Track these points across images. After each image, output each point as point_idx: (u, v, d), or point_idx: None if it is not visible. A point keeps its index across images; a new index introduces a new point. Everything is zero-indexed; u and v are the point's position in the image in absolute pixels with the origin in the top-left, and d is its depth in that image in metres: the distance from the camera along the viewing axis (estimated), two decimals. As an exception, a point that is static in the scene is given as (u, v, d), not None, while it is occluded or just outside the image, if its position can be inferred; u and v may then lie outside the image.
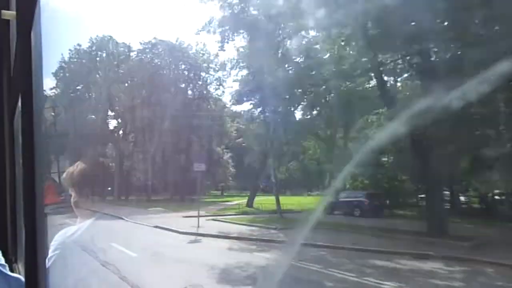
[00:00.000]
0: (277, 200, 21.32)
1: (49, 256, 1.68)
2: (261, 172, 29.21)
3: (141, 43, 37.80)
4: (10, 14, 1.40)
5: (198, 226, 15.70)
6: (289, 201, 24.92)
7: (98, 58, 37.67)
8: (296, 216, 19.56)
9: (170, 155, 34.13)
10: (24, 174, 1.15)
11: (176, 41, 37.58)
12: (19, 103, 2.00)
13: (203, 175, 21.57)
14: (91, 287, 1.79)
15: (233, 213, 22.61)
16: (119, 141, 37.22)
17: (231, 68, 25.64)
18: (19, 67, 1.50)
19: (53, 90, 37.82)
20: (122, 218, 19.20)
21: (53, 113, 34.67)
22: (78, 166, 2.00)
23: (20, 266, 2.14)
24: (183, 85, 38.67)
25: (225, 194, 42.33)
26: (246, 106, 27.22)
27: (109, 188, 30.14)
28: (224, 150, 40.69)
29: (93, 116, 37.22)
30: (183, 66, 38.39)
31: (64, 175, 2.08)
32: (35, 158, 1.14)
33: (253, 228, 16.19)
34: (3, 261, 1.48)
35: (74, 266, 1.73)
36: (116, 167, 35.17)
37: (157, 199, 31.93)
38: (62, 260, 1.64)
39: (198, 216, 16.61)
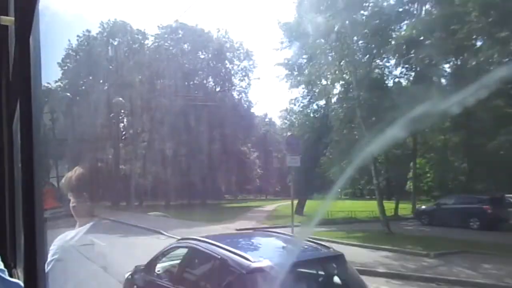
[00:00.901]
0: (382, 208, 16.28)
1: (48, 260, 1.67)
2: (312, 173, 24.14)
3: (159, 27, 33.57)
4: (8, 20, 1.40)
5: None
6: (344, 207, 21.28)
7: (109, 47, 33.52)
8: (406, 229, 15.44)
9: (189, 156, 30.46)
10: (23, 179, 1.15)
11: (196, 26, 33.56)
12: (18, 108, 2.00)
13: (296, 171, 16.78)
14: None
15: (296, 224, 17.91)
16: (131, 141, 33.76)
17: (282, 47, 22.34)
18: (17, 72, 1.50)
19: (59, 83, 33.34)
20: (161, 233, 15.34)
21: (51, 118, 33.54)
22: (76, 171, 1.99)
23: (19, 271, 2.13)
24: (204, 76, 34.65)
25: (238, 198, 38.63)
26: (295, 93, 24.92)
27: (112, 192, 28.77)
28: (251, 150, 36.92)
29: (99, 114, 32.64)
30: (202, 56, 34.47)
31: (63, 180, 2.07)
32: (34, 162, 1.14)
33: (386, 253, 11.09)
34: (2, 266, 1.47)
35: (73, 270, 1.74)
36: (129, 171, 31.93)
37: (176, 204, 28.87)
38: (61, 264, 1.65)
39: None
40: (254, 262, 3.36)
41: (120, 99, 30.11)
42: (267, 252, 4.02)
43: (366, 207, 21.81)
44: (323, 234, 14.05)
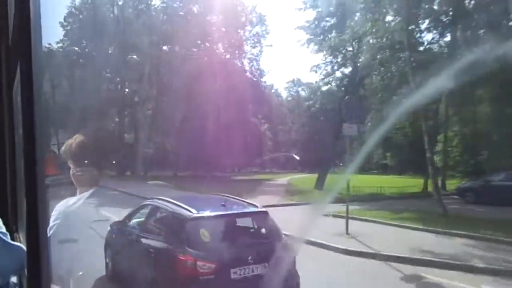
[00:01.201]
0: (436, 185, 14.45)
1: (50, 225, 1.69)
2: (336, 146, 21.56)
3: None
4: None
5: (348, 233, 9.45)
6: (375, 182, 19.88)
7: (114, 7, 30.84)
8: (452, 208, 13.44)
9: (196, 126, 28.05)
10: (24, 145, 1.14)
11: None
12: (18, 72, 1.97)
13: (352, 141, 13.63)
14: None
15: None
16: (136, 109, 31.71)
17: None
18: (17, 34, 1.46)
19: (60, 44, 31.23)
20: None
21: (52, 84, 30.38)
22: (77, 138, 1.98)
23: (21, 236, 2.16)
24: (214, 41, 31.79)
25: (242, 171, 36.47)
26: (317, 59, 24.28)
27: (114, 162, 26.81)
28: (262, 121, 34.34)
29: (104, 79, 30.99)
30: (213, 20, 31.27)
31: (63, 147, 2.06)
32: (35, 128, 1.12)
33: (465, 240, 9.15)
34: (3, 230, 1.49)
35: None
36: (134, 139, 30.61)
37: (183, 176, 27.85)
38: (63, 229, 1.68)
39: (347, 216, 9.66)
40: (195, 213, 4.68)
41: (134, 56, 27.64)
42: (209, 207, 5.20)
43: (387, 183, 20.76)
44: (363, 213, 12.30)
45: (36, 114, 1.13)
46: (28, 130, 1.13)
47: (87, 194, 1.89)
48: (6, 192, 2.46)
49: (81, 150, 1.95)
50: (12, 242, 1.43)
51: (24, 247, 1.42)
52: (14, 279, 1.58)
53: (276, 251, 4.68)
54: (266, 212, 5.19)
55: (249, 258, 4.49)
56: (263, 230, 5.03)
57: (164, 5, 31.49)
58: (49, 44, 28.25)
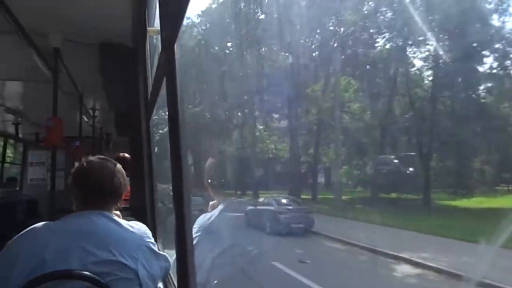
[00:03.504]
0: None
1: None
2: None
3: None
4: (154, 30, 1.62)
5: None
6: None
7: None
8: None
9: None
10: (172, 167, 1.33)
11: None
12: (154, 107, 2.31)
13: None
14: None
15: None
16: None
17: None
18: (160, 77, 1.73)
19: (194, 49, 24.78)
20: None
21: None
22: (209, 160, 2.22)
23: (160, 247, 2.49)
24: None
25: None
26: None
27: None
28: None
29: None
30: None
31: (207, 169, 2.32)
32: (181, 153, 1.32)
33: None
34: (153, 240, 1.74)
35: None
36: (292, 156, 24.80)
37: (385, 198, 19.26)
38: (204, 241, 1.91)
39: None
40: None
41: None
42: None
43: None
44: None
45: (181, 141, 1.32)
46: (175, 154, 1.32)
47: (218, 210, 2.10)
48: (146, 209, 2.86)
49: (209, 171, 2.18)
50: (161, 252, 1.66)
51: (167, 256, 1.65)
52: (160, 284, 1.83)
53: None
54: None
55: None
56: None
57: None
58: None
